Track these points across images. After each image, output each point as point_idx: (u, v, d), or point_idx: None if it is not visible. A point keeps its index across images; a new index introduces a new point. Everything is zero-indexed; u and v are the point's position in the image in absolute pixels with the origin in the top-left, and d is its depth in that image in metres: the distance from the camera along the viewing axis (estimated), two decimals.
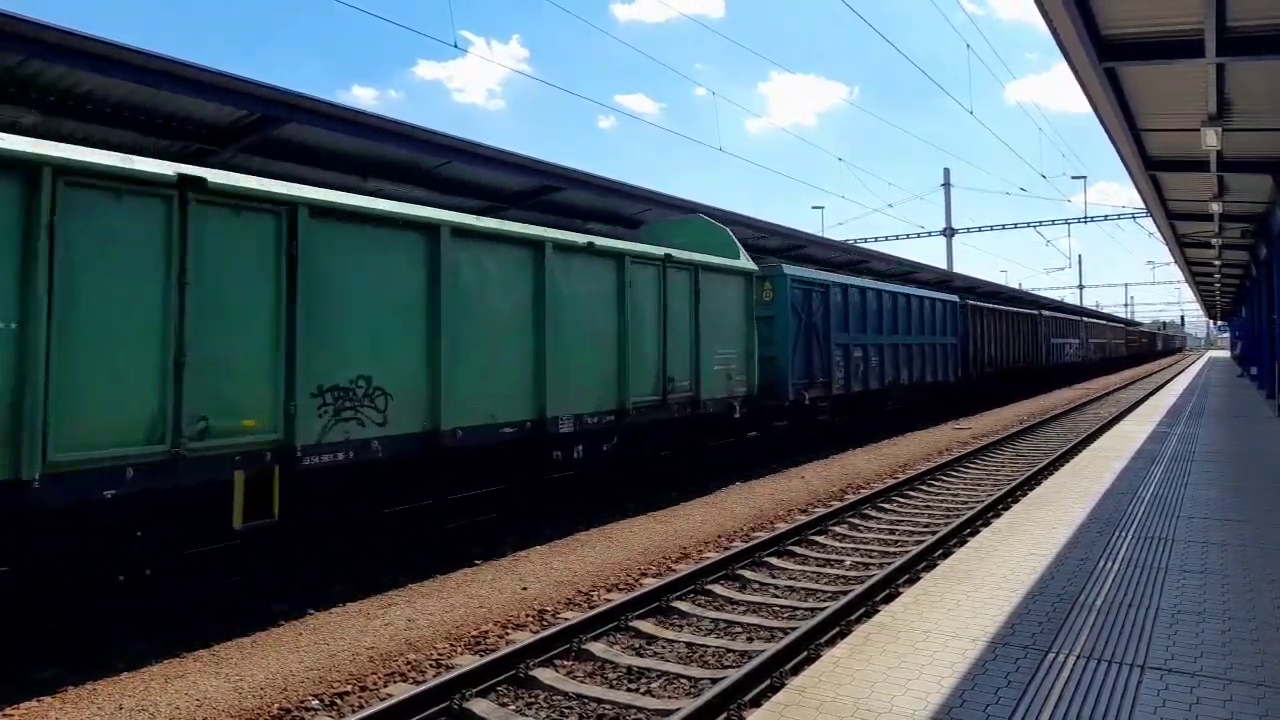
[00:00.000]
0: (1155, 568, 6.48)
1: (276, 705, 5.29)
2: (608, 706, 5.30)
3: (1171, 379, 43.24)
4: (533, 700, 5.46)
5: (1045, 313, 36.96)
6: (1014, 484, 12.55)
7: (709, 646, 6.32)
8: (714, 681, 5.45)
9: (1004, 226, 49.20)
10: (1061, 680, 4.38)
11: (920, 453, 16.78)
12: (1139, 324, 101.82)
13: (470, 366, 8.65)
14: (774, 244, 20.15)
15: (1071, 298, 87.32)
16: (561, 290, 9.89)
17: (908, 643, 4.93)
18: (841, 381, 17.26)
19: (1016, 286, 60.45)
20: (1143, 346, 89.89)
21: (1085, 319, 48.90)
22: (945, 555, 8.41)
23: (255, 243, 6.82)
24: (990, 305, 29.25)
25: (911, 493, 12.53)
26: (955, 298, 25.25)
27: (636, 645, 6.39)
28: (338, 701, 5.41)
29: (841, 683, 4.38)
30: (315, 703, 5.37)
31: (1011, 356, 30.96)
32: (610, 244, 10.89)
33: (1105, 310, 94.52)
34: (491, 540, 9.30)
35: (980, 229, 50.75)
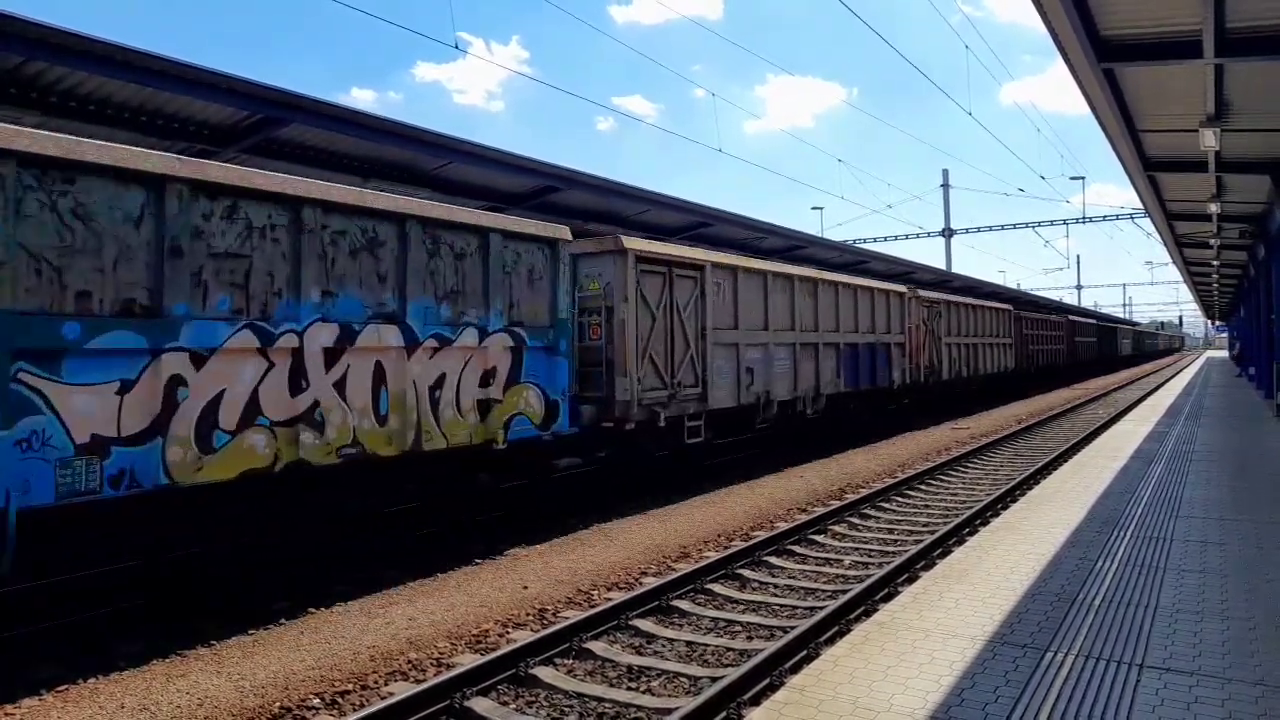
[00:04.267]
0: (1154, 567, 6.50)
1: (278, 704, 5.31)
2: (608, 705, 5.32)
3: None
4: (533, 699, 5.48)
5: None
6: (1013, 483, 12.57)
7: (709, 645, 6.34)
8: (714, 680, 5.47)
9: (1002, 227, 49.36)
10: (1060, 679, 4.40)
11: (919, 452, 16.81)
12: (1052, 302, 50.64)
13: None
14: (773, 244, 20.18)
15: (1070, 298, 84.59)
16: None
17: (907, 641, 4.94)
18: None
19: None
20: (1085, 352, 46.48)
21: (803, 277, 16.00)
22: (944, 554, 8.42)
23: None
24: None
25: (910, 492, 12.55)
26: None
27: (636, 644, 6.41)
28: (339, 700, 5.42)
29: (841, 681, 4.39)
30: (316, 701, 5.39)
31: None
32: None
33: (1103, 310, 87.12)
34: (491, 539, 9.32)
35: (979, 229, 50.93)
